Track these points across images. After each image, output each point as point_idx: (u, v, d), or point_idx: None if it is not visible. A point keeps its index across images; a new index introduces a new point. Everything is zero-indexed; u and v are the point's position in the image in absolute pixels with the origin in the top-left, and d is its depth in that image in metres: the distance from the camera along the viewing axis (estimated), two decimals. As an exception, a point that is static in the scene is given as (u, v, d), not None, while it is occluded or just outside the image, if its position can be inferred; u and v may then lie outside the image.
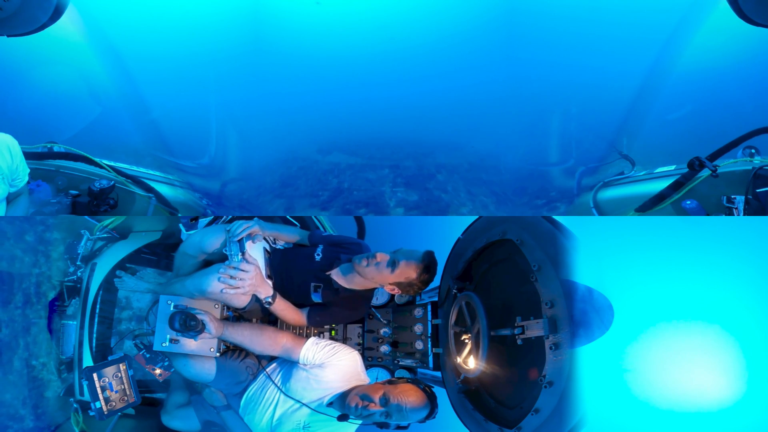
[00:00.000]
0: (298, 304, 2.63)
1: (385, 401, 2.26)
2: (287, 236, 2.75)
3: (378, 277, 2.46)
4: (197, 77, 4.61)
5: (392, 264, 2.41)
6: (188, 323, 2.28)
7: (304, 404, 2.42)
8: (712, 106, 4.18)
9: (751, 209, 2.51)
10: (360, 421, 2.38)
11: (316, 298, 2.60)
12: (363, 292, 2.60)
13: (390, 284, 2.49)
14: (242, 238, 2.38)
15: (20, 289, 2.87)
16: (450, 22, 4.87)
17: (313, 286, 2.60)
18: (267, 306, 2.50)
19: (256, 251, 2.47)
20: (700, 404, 2.20)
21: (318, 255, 2.63)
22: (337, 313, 2.67)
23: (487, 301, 2.20)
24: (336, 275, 2.56)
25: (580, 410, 1.72)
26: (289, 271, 2.63)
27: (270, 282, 2.50)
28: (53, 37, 3.16)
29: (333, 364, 2.46)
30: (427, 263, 2.47)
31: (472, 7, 4.84)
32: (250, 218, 2.74)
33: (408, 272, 2.44)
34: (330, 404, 2.40)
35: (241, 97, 4.78)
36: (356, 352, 2.59)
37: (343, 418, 2.33)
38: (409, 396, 2.30)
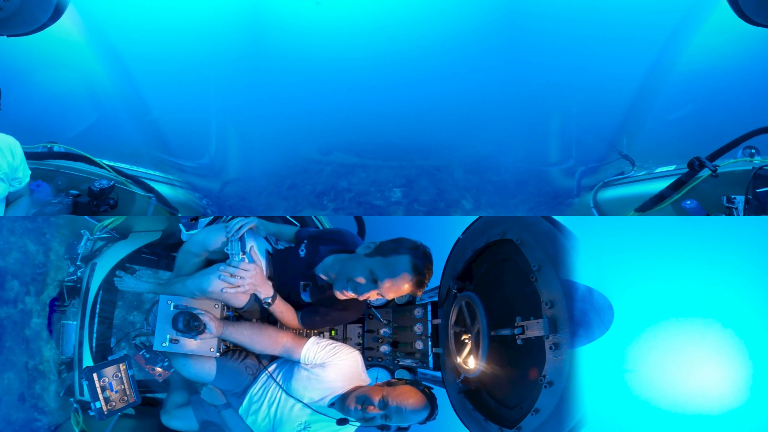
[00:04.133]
0: (295, 305, 2.62)
1: (383, 404, 2.25)
2: (286, 236, 2.73)
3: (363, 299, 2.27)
4: (197, 77, 4.61)
5: (380, 296, 2.17)
6: (192, 324, 2.28)
7: (305, 404, 2.42)
8: (712, 106, 4.17)
9: (751, 209, 2.51)
10: (359, 423, 2.38)
11: (306, 298, 2.53)
12: None
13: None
14: (243, 236, 2.38)
15: (26, 286, 2.89)
16: (451, 23, 4.87)
17: (302, 285, 2.53)
18: (266, 306, 2.50)
19: (258, 250, 2.47)
20: (701, 404, 2.20)
21: (302, 251, 2.54)
22: (327, 314, 2.56)
23: (487, 301, 2.20)
24: (321, 272, 2.44)
25: (580, 410, 1.72)
26: (282, 270, 2.61)
27: (270, 282, 2.50)
28: (53, 37, 3.16)
29: (334, 364, 2.46)
30: (419, 274, 2.17)
31: (473, 8, 4.84)
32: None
33: (399, 289, 2.20)
34: (331, 405, 2.40)
35: (241, 97, 4.78)
36: (357, 351, 2.59)
37: (342, 422, 2.33)
38: (408, 398, 2.29)
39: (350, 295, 2.22)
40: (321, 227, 3.05)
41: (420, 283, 2.21)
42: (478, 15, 4.85)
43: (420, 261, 2.20)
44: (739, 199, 2.56)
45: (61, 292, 2.95)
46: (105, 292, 2.94)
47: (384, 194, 4.35)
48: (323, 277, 2.44)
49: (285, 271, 2.57)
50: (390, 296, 2.27)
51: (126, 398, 2.50)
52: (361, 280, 2.16)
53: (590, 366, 1.72)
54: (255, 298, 2.46)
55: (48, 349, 2.91)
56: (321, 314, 2.56)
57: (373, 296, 2.23)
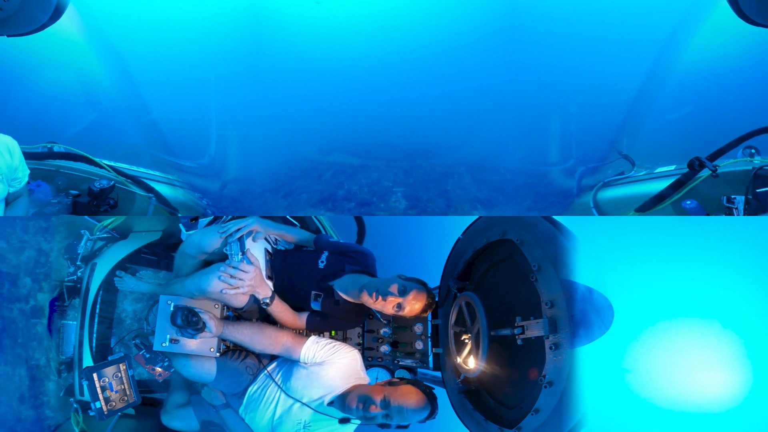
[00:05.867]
0: (296, 308, 2.63)
1: (385, 404, 2.27)
2: (291, 236, 2.73)
3: (384, 310, 2.45)
4: (197, 77, 4.61)
5: (399, 306, 2.41)
6: (190, 319, 2.28)
7: (304, 403, 2.42)
8: (712, 106, 4.17)
9: (751, 209, 2.51)
10: (360, 420, 2.39)
11: (315, 306, 2.59)
12: (363, 305, 2.58)
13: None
14: (242, 237, 2.38)
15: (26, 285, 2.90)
16: (451, 24, 4.87)
17: (313, 294, 2.59)
18: (264, 307, 2.50)
19: (257, 251, 2.47)
20: (701, 404, 2.20)
21: (322, 262, 2.62)
22: (335, 323, 2.67)
23: (487, 301, 2.21)
24: (339, 287, 2.55)
25: (580, 410, 1.72)
26: (291, 274, 2.62)
27: (270, 283, 2.50)
28: (53, 37, 3.16)
29: (333, 363, 2.46)
30: (431, 297, 2.50)
31: (473, 8, 4.84)
32: (250, 218, 2.73)
33: (414, 308, 2.44)
34: (331, 403, 2.40)
35: (241, 97, 4.78)
36: (356, 350, 2.59)
37: (344, 421, 2.34)
38: (409, 398, 2.31)
39: (375, 298, 2.40)
40: (323, 229, 3.03)
41: (431, 305, 2.51)
42: (478, 15, 4.84)
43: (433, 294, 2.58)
44: (739, 199, 2.56)
45: (61, 292, 2.96)
46: (105, 292, 2.94)
47: (389, 204, 4.33)
48: (340, 293, 2.53)
49: (294, 275, 2.61)
50: (407, 307, 2.41)
51: (126, 398, 2.50)
52: (394, 289, 2.39)
53: (590, 366, 1.72)
54: (254, 298, 2.47)
55: (53, 348, 2.92)
56: (329, 323, 2.64)
57: (392, 303, 2.38)
